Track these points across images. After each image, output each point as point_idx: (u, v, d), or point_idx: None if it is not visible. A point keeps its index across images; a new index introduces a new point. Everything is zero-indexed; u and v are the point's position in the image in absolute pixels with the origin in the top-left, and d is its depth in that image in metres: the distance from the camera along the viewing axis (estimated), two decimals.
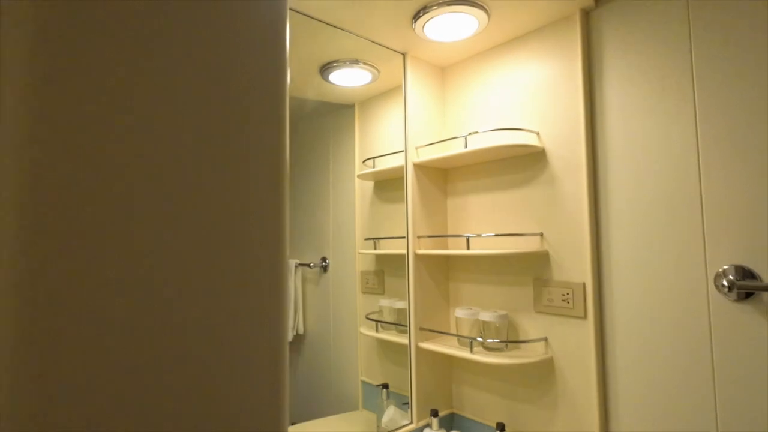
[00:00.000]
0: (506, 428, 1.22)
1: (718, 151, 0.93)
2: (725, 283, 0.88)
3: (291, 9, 1.08)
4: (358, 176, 1.57)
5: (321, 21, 1.15)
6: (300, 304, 1.71)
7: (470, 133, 1.26)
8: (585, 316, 1.10)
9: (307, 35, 1.19)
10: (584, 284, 1.11)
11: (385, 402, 1.41)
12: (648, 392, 1.02)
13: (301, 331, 1.72)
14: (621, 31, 1.09)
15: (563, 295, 1.14)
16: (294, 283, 1.73)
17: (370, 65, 1.38)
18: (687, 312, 0.96)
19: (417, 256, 1.35)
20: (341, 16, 1.12)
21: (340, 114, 1.66)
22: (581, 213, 1.12)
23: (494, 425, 1.21)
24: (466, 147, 1.22)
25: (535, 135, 1.21)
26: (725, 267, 0.90)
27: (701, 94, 0.96)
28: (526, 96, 1.24)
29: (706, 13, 0.96)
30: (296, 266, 1.75)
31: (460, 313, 1.26)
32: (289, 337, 1.68)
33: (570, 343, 1.13)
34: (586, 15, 1.15)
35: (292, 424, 1.38)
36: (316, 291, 1.71)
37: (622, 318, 1.07)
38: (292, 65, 1.38)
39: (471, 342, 1.20)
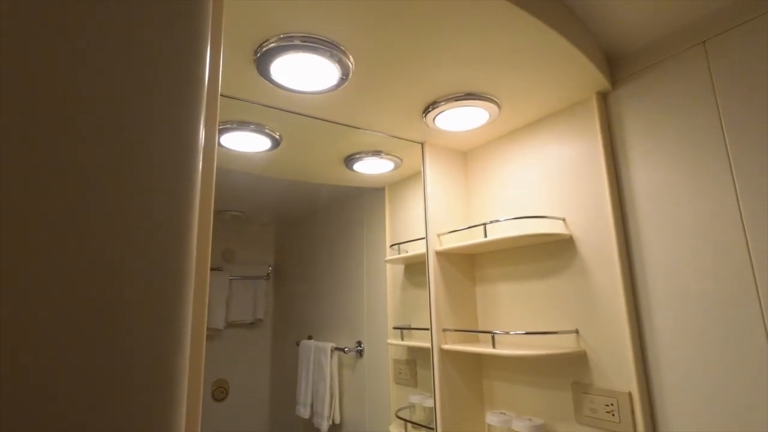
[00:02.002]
0: None
1: (766, 221, 0.80)
2: None
3: (310, 116, 1.16)
4: (386, 261, 1.56)
5: (339, 124, 1.21)
6: (336, 390, 1.66)
7: (490, 222, 1.21)
8: None
9: (327, 134, 1.26)
10: (630, 394, 0.95)
11: None
12: None
13: (337, 421, 1.66)
14: (643, 109, 1.02)
15: (607, 405, 0.99)
16: (330, 367, 1.70)
17: (392, 155, 1.42)
18: (764, 429, 0.78)
19: (443, 352, 1.27)
20: (358, 118, 1.18)
21: (372, 197, 1.70)
22: (618, 307, 0.99)
23: None
24: (486, 236, 1.17)
25: (560, 222, 1.13)
26: None
27: (738, 163, 0.85)
28: (549, 180, 1.18)
29: (730, 79, 0.87)
30: (332, 350, 1.73)
31: (491, 419, 1.13)
32: (325, 427, 1.62)
33: None
34: (604, 97, 1.10)
35: None
36: (352, 377, 1.65)
37: None
38: (316, 159, 1.45)
39: None
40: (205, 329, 0.39)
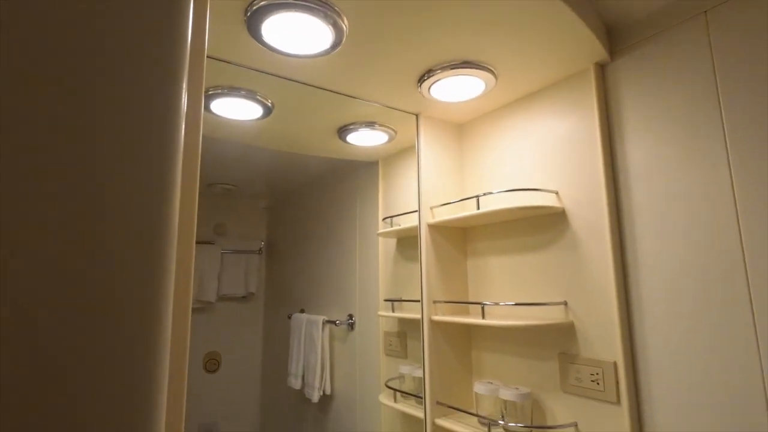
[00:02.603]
0: None
1: (759, 199, 0.80)
2: None
3: (303, 83, 1.13)
4: (378, 234, 1.55)
5: (333, 92, 1.19)
6: (327, 362, 1.68)
7: (483, 194, 1.20)
8: (618, 402, 0.96)
9: (321, 103, 1.23)
10: (615, 363, 0.97)
11: None
12: None
13: (328, 392, 1.68)
14: (640, 83, 1.01)
15: (592, 374, 1.01)
16: (321, 340, 1.71)
17: (386, 126, 1.40)
18: (742, 402, 0.80)
19: (433, 323, 1.28)
20: (352, 86, 1.15)
21: (365, 171, 1.68)
22: (607, 280, 1.00)
23: None
24: (478, 208, 1.17)
25: (553, 195, 1.13)
26: None
27: (733, 139, 0.84)
28: (543, 153, 1.17)
29: (730, 51, 0.86)
30: (323, 323, 1.74)
31: (479, 388, 1.15)
32: (316, 397, 1.64)
33: (604, 429, 0.98)
34: (602, 69, 1.09)
35: None
36: (343, 349, 1.67)
37: (663, 406, 0.91)
38: (309, 129, 1.43)
39: (489, 424, 1.09)
40: (191, 303, 0.38)
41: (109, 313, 0.23)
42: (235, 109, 1.22)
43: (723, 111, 0.87)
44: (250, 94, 1.17)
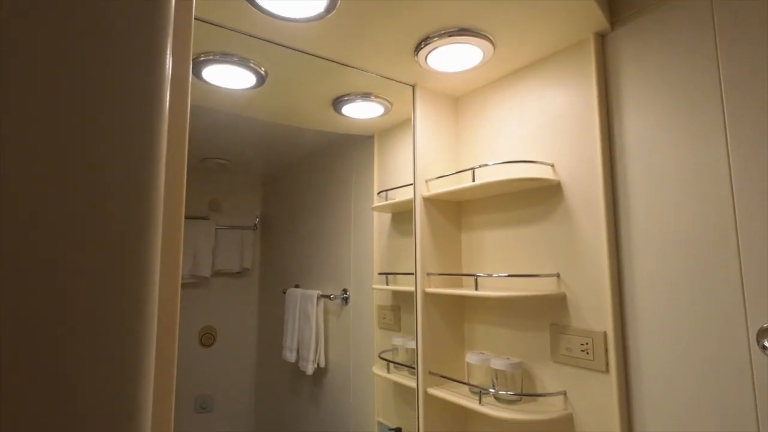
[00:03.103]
0: None
1: (755, 179, 0.80)
2: (767, 344, 0.73)
3: (297, 50, 1.10)
4: (373, 208, 1.55)
5: (328, 60, 1.16)
6: (321, 336, 1.69)
7: (479, 166, 1.19)
8: (607, 370, 0.97)
9: (315, 72, 1.21)
10: (605, 333, 0.98)
11: None
12: None
13: (322, 365, 1.70)
14: (640, 54, 0.99)
15: (582, 344, 1.02)
16: (316, 314, 1.72)
17: (382, 98, 1.37)
18: (726, 372, 0.82)
19: (426, 295, 1.29)
20: (346, 54, 1.13)
21: (361, 145, 1.66)
22: (600, 252, 1.00)
23: None
24: (474, 181, 1.16)
25: (549, 167, 1.13)
26: None
27: (732, 116, 0.84)
28: (540, 126, 1.16)
29: (733, 26, 0.85)
30: (318, 297, 1.75)
31: (470, 358, 1.17)
32: (310, 370, 1.66)
33: (591, 399, 1.00)
34: (602, 39, 1.07)
35: None
36: (338, 323, 1.68)
37: (651, 374, 0.93)
38: (303, 99, 1.40)
39: (480, 392, 1.10)
40: (180, 280, 0.37)
41: (88, 288, 0.22)
42: (228, 77, 1.20)
43: (723, 87, 0.86)
44: (243, 62, 1.14)
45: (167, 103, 0.27)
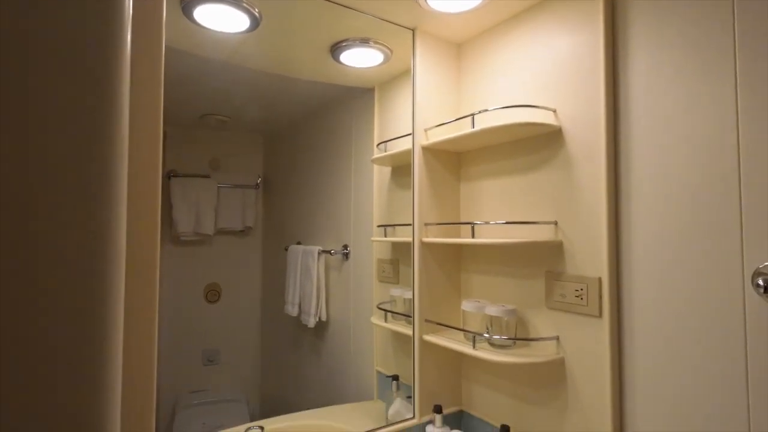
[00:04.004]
0: (511, 430, 1.13)
1: (763, 127, 0.77)
2: (761, 282, 0.73)
3: None
4: (372, 161, 1.53)
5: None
6: (323, 291, 1.72)
7: (479, 111, 1.16)
8: (600, 315, 0.98)
9: (311, 14, 1.16)
10: (600, 279, 0.98)
11: (395, 393, 1.38)
12: (670, 401, 0.89)
13: (324, 318, 1.73)
14: None
15: (576, 290, 1.02)
16: (317, 269, 1.74)
17: (381, 44, 1.33)
18: (718, 314, 0.82)
19: (423, 245, 1.29)
20: None
21: (361, 98, 1.63)
22: (599, 199, 0.99)
23: (499, 426, 1.12)
24: (473, 127, 1.13)
25: (551, 113, 1.09)
26: (766, 264, 0.75)
27: (744, 64, 0.80)
28: (544, 72, 1.12)
29: None
30: (319, 253, 1.76)
31: (466, 306, 1.18)
32: (312, 323, 1.70)
33: (583, 343, 1.02)
34: None
35: (308, 409, 1.40)
36: (338, 278, 1.71)
37: (643, 318, 0.93)
38: (299, 44, 1.36)
39: (474, 337, 1.12)
40: (158, 240, 0.36)
41: (35, 255, 0.21)
42: (220, 19, 1.16)
43: (737, 35, 0.81)
44: (236, 1, 1.10)
45: (128, 49, 0.24)
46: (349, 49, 1.33)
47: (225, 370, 1.65)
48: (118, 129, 0.24)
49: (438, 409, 1.22)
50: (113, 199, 0.24)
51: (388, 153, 1.44)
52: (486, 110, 1.15)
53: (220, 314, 1.88)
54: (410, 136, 1.31)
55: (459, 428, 1.33)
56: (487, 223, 1.17)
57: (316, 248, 1.76)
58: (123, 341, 0.38)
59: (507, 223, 1.10)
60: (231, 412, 1.44)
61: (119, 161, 0.24)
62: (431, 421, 1.25)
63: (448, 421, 1.27)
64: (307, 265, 1.77)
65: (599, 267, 0.99)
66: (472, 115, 1.15)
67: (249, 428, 1.11)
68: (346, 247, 1.70)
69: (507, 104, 1.14)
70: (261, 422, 1.16)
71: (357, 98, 1.64)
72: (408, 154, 1.32)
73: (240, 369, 1.70)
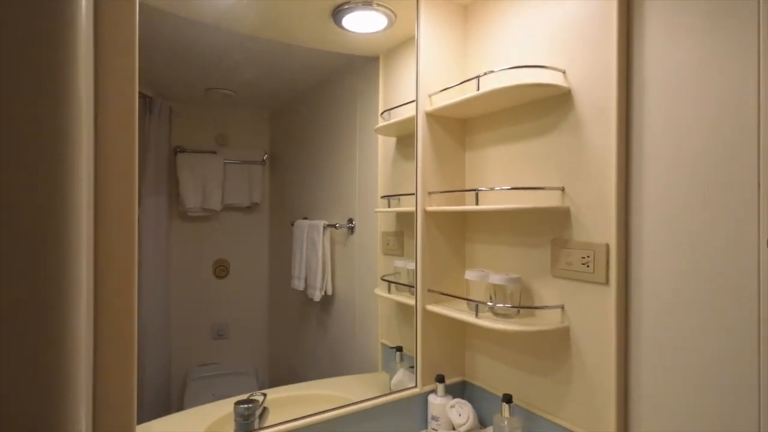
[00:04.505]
0: (514, 400, 1.12)
1: None
2: None
3: None
4: (375, 130, 1.50)
5: None
6: (329, 265, 1.71)
7: (484, 73, 1.12)
8: (607, 282, 0.95)
9: None
10: (607, 245, 0.95)
11: (398, 364, 1.38)
12: (678, 370, 0.86)
13: (329, 293, 1.74)
14: None
15: (583, 257, 0.99)
16: (322, 243, 1.74)
17: (384, 6, 1.28)
18: (731, 281, 0.78)
19: (427, 214, 1.26)
20: None
21: (365, 68, 1.59)
22: (608, 163, 0.95)
23: (502, 395, 1.11)
24: (478, 89, 1.09)
25: (560, 74, 1.04)
26: None
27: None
28: (554, 32, 1.07)
29: None
30: (324, 227, 1.75)
31: (469, 275, 1.16)
32: (317, 297, 1.70)
33: (589, 311, 0.99)
34: None
35: (312, 379, 1.41)
36: (344, 252, 1.70)
37: (651, 286, 0.90)
38: (300, 7, 1.32)
39: (477, 306, 1.10)
40: (135, 216, 0.34)
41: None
42: None
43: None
44: None
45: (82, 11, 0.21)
46: (351, 12, 1.29)
47: (234, 343, 1.67)
48: (68, 109, 0.22)
49: (440, 379, 1.22)
50: (62, 186, 0.22)
51: (391, 121, 1.41)
52: (492, 71, 1.11)
53: (229, 290, 1.89)
54: (414, 103, 1.27)
55: (462, 398, 1.32)
56: (492, 189, 1.14)
57: (322, 222, 1.75)
58: (99, 335, 0.37)
59: (512, 188, 1.07)
60: (240, 384, 1.46)
61: (69, 152, 0.22)
62: (433, 391, 1.24)
63: (450, 390, 1.27)
64: (312, 239, 1.77)
65: (607, 233, 0.95)
66: (477, 77, 1.11)
67: (252, 394, 1.13)
68: (351, 220, 1.69)
69: (514, 65, 1.09)
70: (264, 391, 1.17)
71: (362, 69, 1.60)
72: (411, 122, 1.29)
73: (249, 343, 1.71)
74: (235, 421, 1.09)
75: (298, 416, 1.07)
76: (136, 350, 0.37)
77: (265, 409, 1.13)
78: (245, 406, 1.11)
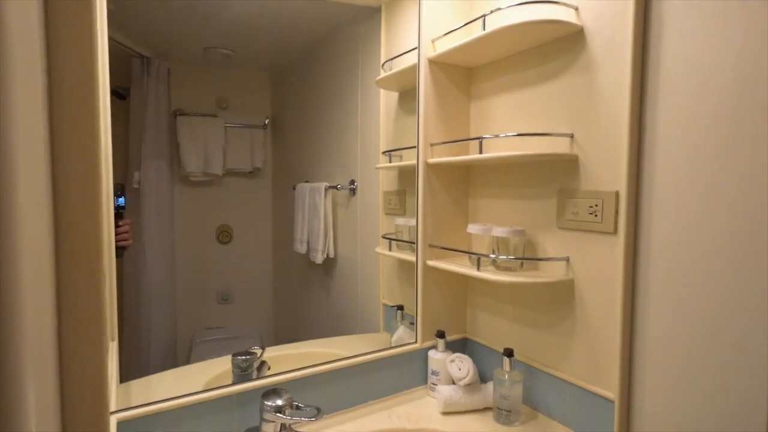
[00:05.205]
0: (515, 355, 1.10)
1: None
2: None
3: None
4: (377, 82, 1.44)
5: None
6: (330, 227, 1.69)
7: (491, 12, 1.05)
8: (615, 231, 0.91)
9: None
10: (617, 193, 0.90)
11: (399, 322, 1.37)
12: (684, 323, 0.82)
13: (332, 255, 1.72)
14: None
15: (591, 207, 0.95)
16: (324, 206, 1.71)
17: None
18: (745, 233, 0.73)
19: (429, 166, 1.22)
20: None
21: (367, 21, 1.52)
22: (621, 107, 0.89)
23: (502, 350, 1.09)
24: (484, 29, 1.02)
25: (572, 11, 0.97)
26: None
27: None
28: None
29: None
30: (326, 189, 1.72)
31: (472, 228, 1.12)
32: (320, 259, 1.69)
33: (595, 262, 0.95)
34: None
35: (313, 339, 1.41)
36: (346, 215, 1.67)
37: (661, 235, 0.86)
38: None
39: (478, 259, 1.07)
40: (101, 212, 0.30)
41: None
42: None
43: None
44: None
45: None
46: None
47: (239, 308, 1.67)
48: None
49: (441, 334, 1.20)
50: None
51: (392, 71, 1.35)
52: (499, 9, 1.04)
53: (233, 255, 1.88)
54: (416, 51, 1.20)
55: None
56: (497, 136, 1.08)
57: (323, 184, 1.72)
58: (64, 324, 0.35)
59: (518, 135, 1.01)
60: (245, 347, 1.47)
61: None
62: (434, 347, 1.23)
63: (451, 347, 1.25)
64: (314, 202, 1.74)
65: (617, 181, 0.90)
66: (483, 16, 1.04)
67: (251, 348, 1.13)
68: (353, 182, 1.66)
69: (524, 1, 1.01)
70: (265, 348, 1.18)
71: (363, 21, 1.53)
72: (414, 72, 1.23)
73: (253, 307, 1.72)
74: (233, 372, 1.09)
75: (296, 368, 1.07)
76: (107, 365, 0.34)
77: (263, 362, 1.13)
78: (243, 357, 1.11)
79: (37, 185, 0.33)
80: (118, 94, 1.14)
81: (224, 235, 1.88)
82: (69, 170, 0.35)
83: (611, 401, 0.92)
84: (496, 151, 1.16)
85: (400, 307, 1.42)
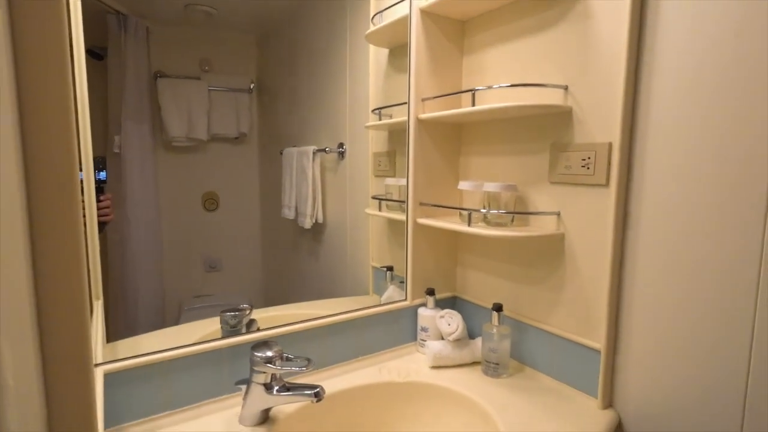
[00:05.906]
0: (504, 309, 1.11)
1: None
2: None
3: None
4: (366, 36, 1.39)
5: None
6: (319, 192, 1.66)
7: None
8: (607, 183, 0.90)
9: None
10: (610, 144, 0.89)
11: (389, 283, 1.37)
12: (672, 282, 0.83)
13: (320, 220, 1.70)
14: None
15: (583, 159, 0.94)
16: (312, 170, 1.68)
17: None
18: (741, 187, 0.73)
19: (420, 122, 1.19)
20: None
21: None
22: (618, 56, 0.86)
23: (491, 305, 1.10)
24: None
25: None
26: None
27: None
28: None
29: None
30: (314, 153, 1.68)
31: (463, 185, 1.11)
32: (308, 224, 1.66)
33: (586, 215, 0.95)
34: None
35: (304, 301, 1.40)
36: (334, 179, 1.64)
37: (654, 186, 0.85)
38: None
39: (469, 214, 1.06)
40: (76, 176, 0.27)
41: None
42: None
43: None
44: None
45: None
46: None
47: (228, 275, 1.65)
48: None
49: (431, 292, 1.20)
50: None
51: (383, 24, 1.30)
52: None
53: (220, 222, 1.84)
54: (408, 1, 1.16)
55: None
56: (489, 87, 1.06)
57: (311, 148, 1.68)
58: (40, 272, 0.33)
59: (512, 86, 0.99)
60: None
61: None
62: (423, 304, 1.24)
63: (440, 305, 1.26)
64: (302, 166, 1.70)
65: (611, 132, 0.89)
66: None
67: (240, 306, 1.12)
68: (341, 145, 1.62)
69: None
70: (254, 308, 1.17)
71: None
72: (405, 23, 1.18)
73: (242, 274, 1.70)
74: (222, 329, 1.08)
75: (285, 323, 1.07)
76: (91, 349, 0.32)
77: (252, 320, 1.12)
78: (232, 314, 1.10)
79: (7, 146, 0.30)
80: (94, 53, 1.07)
81: (210, 202, 1.83)
82: (41, 131, 0.32)
83: (598, 351, 0.93)
84: (489, 102, 1.13)
85: (390, 268, 1.42)
